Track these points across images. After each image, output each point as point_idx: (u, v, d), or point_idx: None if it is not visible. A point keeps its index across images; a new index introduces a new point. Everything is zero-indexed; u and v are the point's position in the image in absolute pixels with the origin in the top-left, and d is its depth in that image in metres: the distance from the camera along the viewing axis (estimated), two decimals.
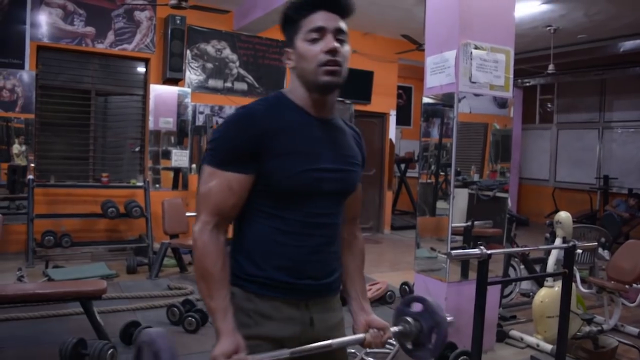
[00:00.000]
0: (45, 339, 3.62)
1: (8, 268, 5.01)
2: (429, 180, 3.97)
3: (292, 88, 1.46)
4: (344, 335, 1.54)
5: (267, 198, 1.40)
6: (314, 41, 1.38)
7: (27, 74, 6.28)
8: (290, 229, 1.41)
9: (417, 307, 1.53)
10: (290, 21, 1.43)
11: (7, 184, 6.11)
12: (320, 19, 1.38)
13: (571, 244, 3.05)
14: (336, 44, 1.37)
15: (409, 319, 1.51)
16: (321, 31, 1.38)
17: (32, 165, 6.36)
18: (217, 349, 1.27)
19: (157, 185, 7.10)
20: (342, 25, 1.41)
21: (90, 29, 6.65)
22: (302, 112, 1.44)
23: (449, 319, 1.53)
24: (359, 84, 8.44)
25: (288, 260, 1.41)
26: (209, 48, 7.44)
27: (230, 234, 1.44)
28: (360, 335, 1.49)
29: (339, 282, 1.57)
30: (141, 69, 7.25)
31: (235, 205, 1.39)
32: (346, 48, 1.41)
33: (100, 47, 6.73)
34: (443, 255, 3.57)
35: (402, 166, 10.45)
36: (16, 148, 6.33)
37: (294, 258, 1.41)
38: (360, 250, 1.67)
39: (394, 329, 1.52)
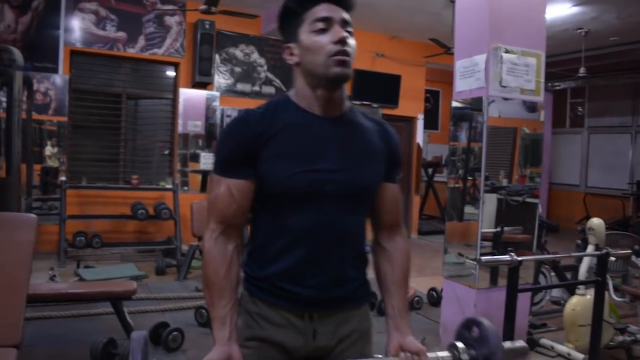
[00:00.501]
0: (76, 338, 3.69)
1: (40, 267, 5.10)
2: (457, 185, 3.93)
3: (297, 88, 1.39)
4: (363, 346, 1.45)
5: (267, 202, 1.36)
6: (320, 32, 1.31)
7: (60, 78, 6.42)
8: (293, 235, 1.35)
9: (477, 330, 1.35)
10: (292, 15, 1.36)
11: (40, 185, 6.24)
12: (324, 9, 1.32)
13: (604, 251, 2.99)
14: (345, 34, 1.31)
15: (459, 345, 1.32)
16: (328, 21, 1.31)
17: (64, 167, 6.50)
18: (207, 357, 1.24)
19: (186, 188, 7.18)
20: (348, 16, 1.34)
21: (121, 34, 6.77)
22: (305, 113, 1.36)
23: (519, 344, 1.37)
24: (387, 88, 8.42)
25: (291, 267, 1.35)
26: (238, 52, 7.51)
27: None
28: (388, 359, 1.34)
29: (361, 293, 1.47)
30: (171, 73, 7.34)
31: (237, 211, 1.35)
32: (353, 41, 1.34)
33: (131, 51, 6.85)
34: (472, 261, 3.54)
35: (430, 170, 10.38)
36: (49, 150, 6.47)
37: (297, 265, 1.35)
38: (402, 261, 1.50)
39: (442, 354, 1.34)
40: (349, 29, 1.34)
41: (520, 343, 1.38)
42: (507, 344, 1.34)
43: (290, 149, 1.32)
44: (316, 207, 1.33)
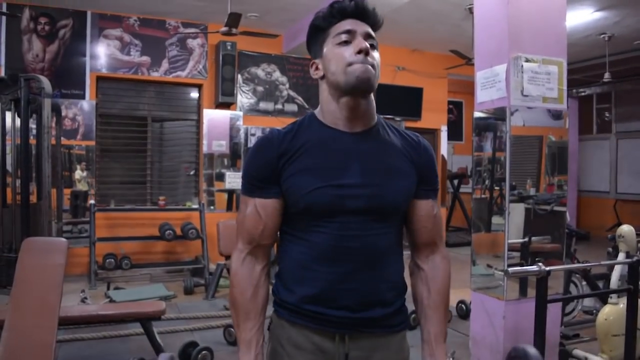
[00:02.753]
0: (107, 359, 3.73)
1: (72, 290, 5.20)
2: (483, 196, 3.90)
3: (321, 103, 1.39)
4: None
5: (292, 221, 1.36)
6: (343, 44, 1.31)
7: (87, 104, 6.58)
8: (318, 254, 1.31)
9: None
10: (319, 31, 1.38)
11: (70, 208, 6.39)
12: (349, 23, 1.33)
13: (635, 258, 2.93)
14: (366, 45, 1.30)
15: None
16: (351, 33, 1.31)
17: (93, 190, 6.64)
18: None
19: (212, 207, 7.24)
20: (372, 31, 1.36)
21: (145, 59, 6.92)
22: (329, 129, 1.35)
23: None
24: (409, 101, 8.42)
25: (318, 288, 1.31)
26: (259, 71, 7.59)
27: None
28: None
29: (399, 319, 1.40)
30: (194, 95, 7.46)
31: (264, 231, 1.35)
32: (377, 54, 1.34)
33: (155, 75, 6.98)
34: (500, 273, 3.49)
35: (455, 182, 10.30)
36: (78, 174, 6.61)
37: (323, 285, 1.31)
38: (440, 284, 1.43)
39: None
40: (373, 43, 1.34)
41: None
42: None
43: (313, 165, 1.31)
44: (341, 223, 1.30)
